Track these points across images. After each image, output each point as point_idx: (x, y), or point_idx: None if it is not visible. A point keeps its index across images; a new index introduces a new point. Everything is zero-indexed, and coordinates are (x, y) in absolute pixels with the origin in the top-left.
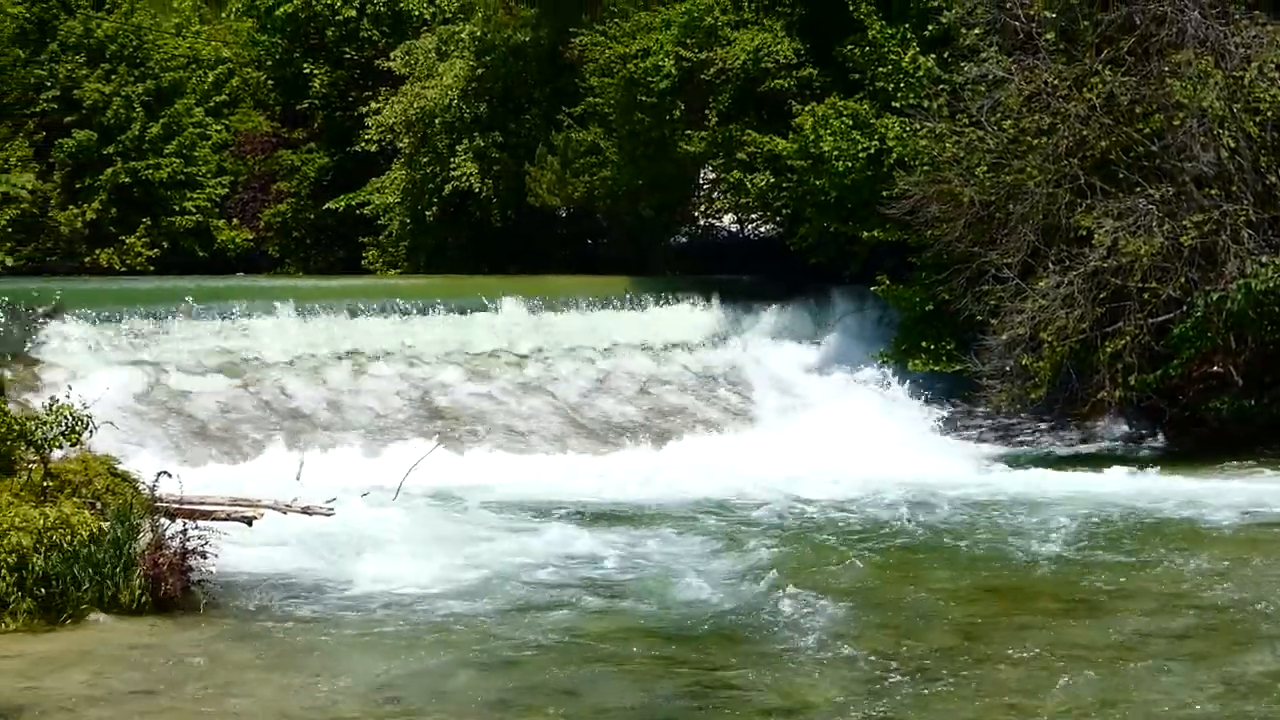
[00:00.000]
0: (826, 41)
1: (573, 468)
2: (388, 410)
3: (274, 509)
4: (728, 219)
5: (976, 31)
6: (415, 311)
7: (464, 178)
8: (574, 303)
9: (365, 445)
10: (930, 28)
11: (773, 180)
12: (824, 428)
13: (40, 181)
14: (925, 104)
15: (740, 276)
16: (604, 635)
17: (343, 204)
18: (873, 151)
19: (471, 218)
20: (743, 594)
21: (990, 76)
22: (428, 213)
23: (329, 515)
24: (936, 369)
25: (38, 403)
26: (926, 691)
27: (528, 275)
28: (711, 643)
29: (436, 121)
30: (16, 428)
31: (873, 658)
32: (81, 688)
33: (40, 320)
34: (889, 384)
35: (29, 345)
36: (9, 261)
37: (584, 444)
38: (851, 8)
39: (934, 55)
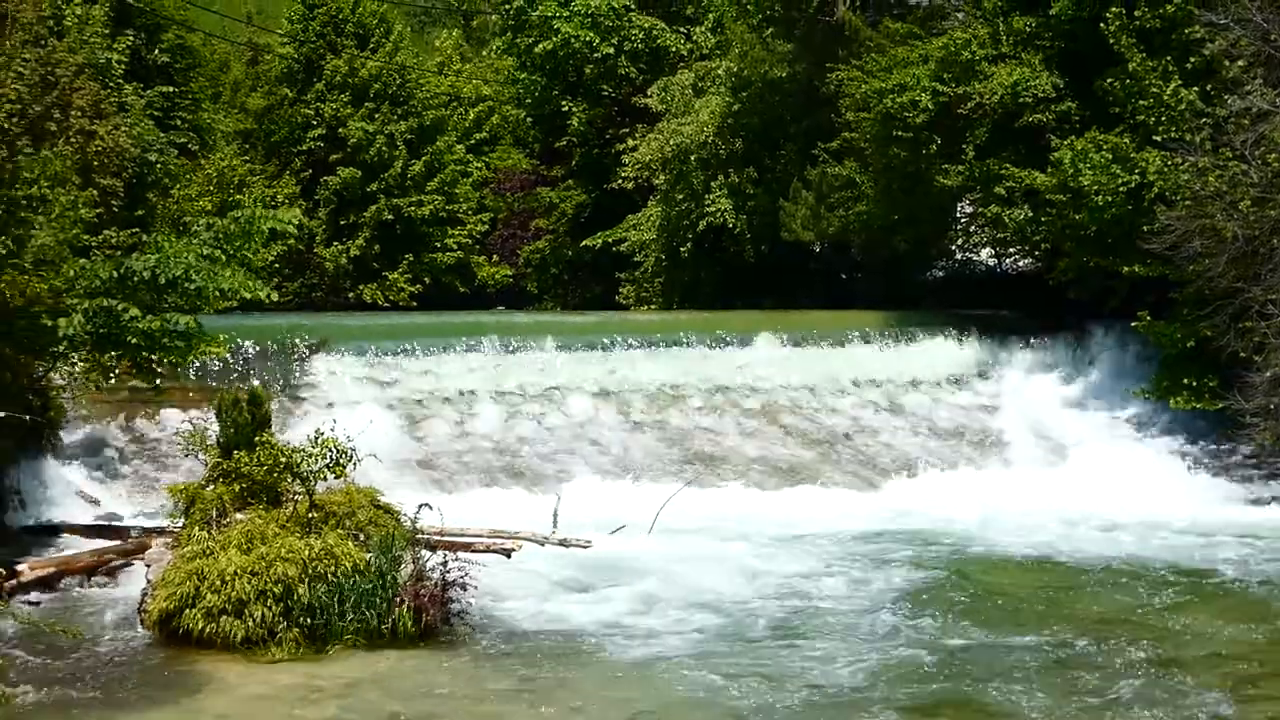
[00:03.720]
0: (1086, 75)
1: (826, 503)
2: (641, 445)
3: (532, 541)
4: (985, 253)
5: (1240, 64)
6: (669, 346)
7: (719, 213)
8: (828, 337)
9: (617, 479)
10: (1193, 60)
11: (1031, 214)
12: (1083, 465)
13: (306, 218)
14: (1187, 137)
15: (998, 311)
16: (862, 673)
17: (599, 241)
18: (1133, 186)
19: (725, 253)
20: (1011, 630)
21: (1255, 110)
22: (682, 248)
23: (586, 548)
24: (1198, 406)
25: (303, 436)
26: None
27: (782, 310)
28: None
29: (692, 158)
30: (283, 460)
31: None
32: (344, 717)
33: (306, 355)
34: (1150, 421)
35: (295, 379)
36: (274, 297)
37: (838, 479)
38: (1112, 41)
39: (1196, 88)
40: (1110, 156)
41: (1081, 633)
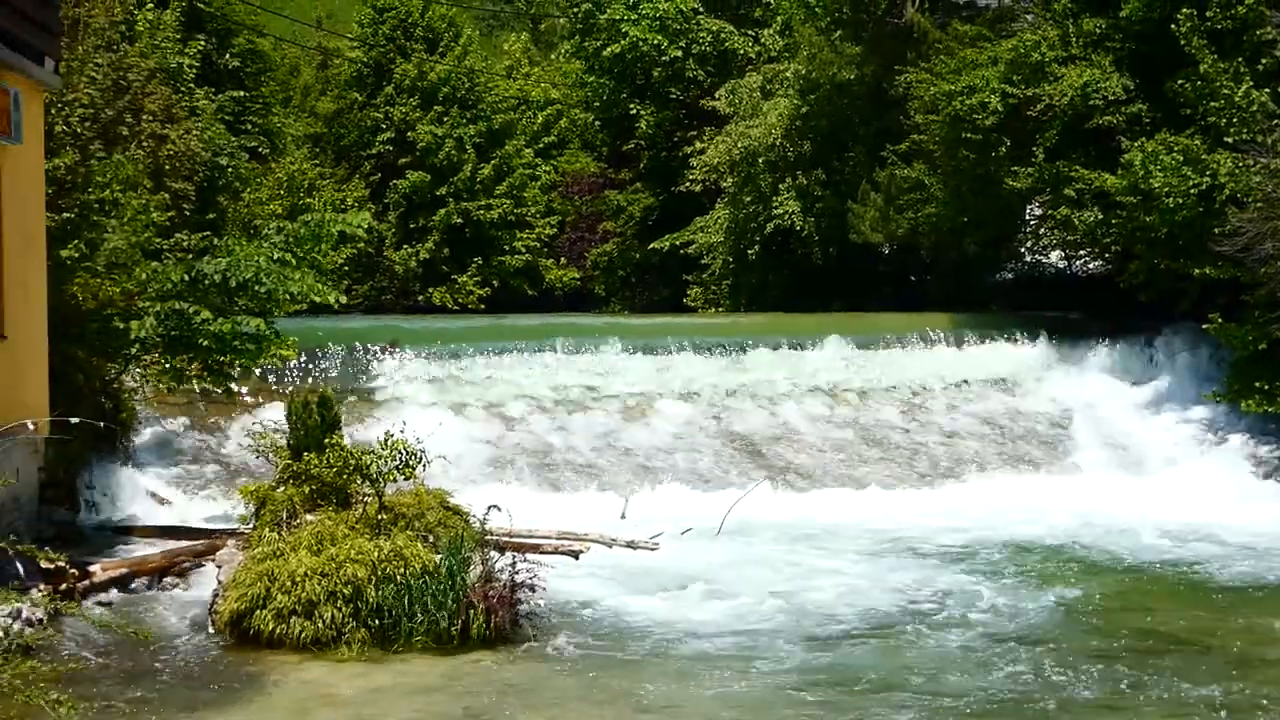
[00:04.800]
0: (1157, 76)
1: (893, 504)
2: (709, 448)
3: (600, 543)
4: (1055, 255)
5: None
6: (737, 348)
7: (786, 216)
8: (897, 340)
9: (687, 481)
10: (1264, 61)
11: (1101, 216)
12: (1153, 469)
13: (376, 222)
14: (1259, 139)
15: (1068, 313)
16: (933, 673)
17: (667, 243)
18: (1204, 188)
19: (793, 256)
20: (1080, 638)
21: None
22: (750, 251)
23: (653, 550)
24: (1270, 410)
25: (372, 437)
26: None
27: (850, 312)
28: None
29: (760, 160)
30: (353, 462)
31: None
32: (413, 717)
33: (376, 357)
34: (1221, 424)
35: (365, 381)
36: (343, 300)
37: (906, 480)
38: (1183, 42)
39: (1268, 90)
40: (1181, 158)
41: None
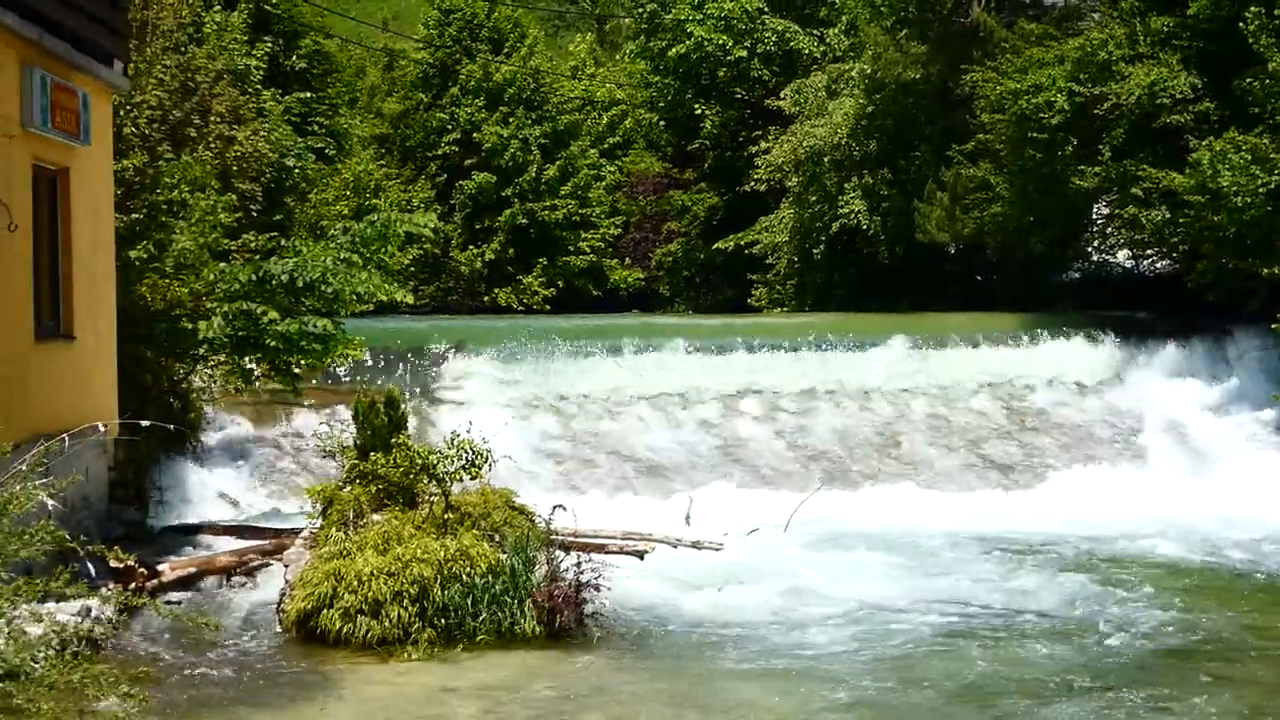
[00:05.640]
0: (1224, 75)
1: (961, 503)
2: (774, 448)
3: (665, 543)
4: (1122, 254)
5: None
6: (802, 348)
7: (852, 215)
8: (964, 339)
9: (750, 481)
10: None
11: (1169, 215)
12: (1222, 469)
13: (442, 222)
14: None
15: (1135, 313)
16: (1007, 676)
17: (731, 243)
18: (1273, 186)
19: (859, 255)
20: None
21: None
22: (815, 251)
23: (718, 550)
24: None
25: (439, 437)
26: None
27: (916, 312)
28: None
29: (825, 160)
30: (419, 462)
31: None
32: (479, 717)
33: (442, 357)
34: None
35: (431, 381)
36: (410, 299)
37: (977, 481)
38: (1251, 40)
39: None
40: (1249, 157)
41: None
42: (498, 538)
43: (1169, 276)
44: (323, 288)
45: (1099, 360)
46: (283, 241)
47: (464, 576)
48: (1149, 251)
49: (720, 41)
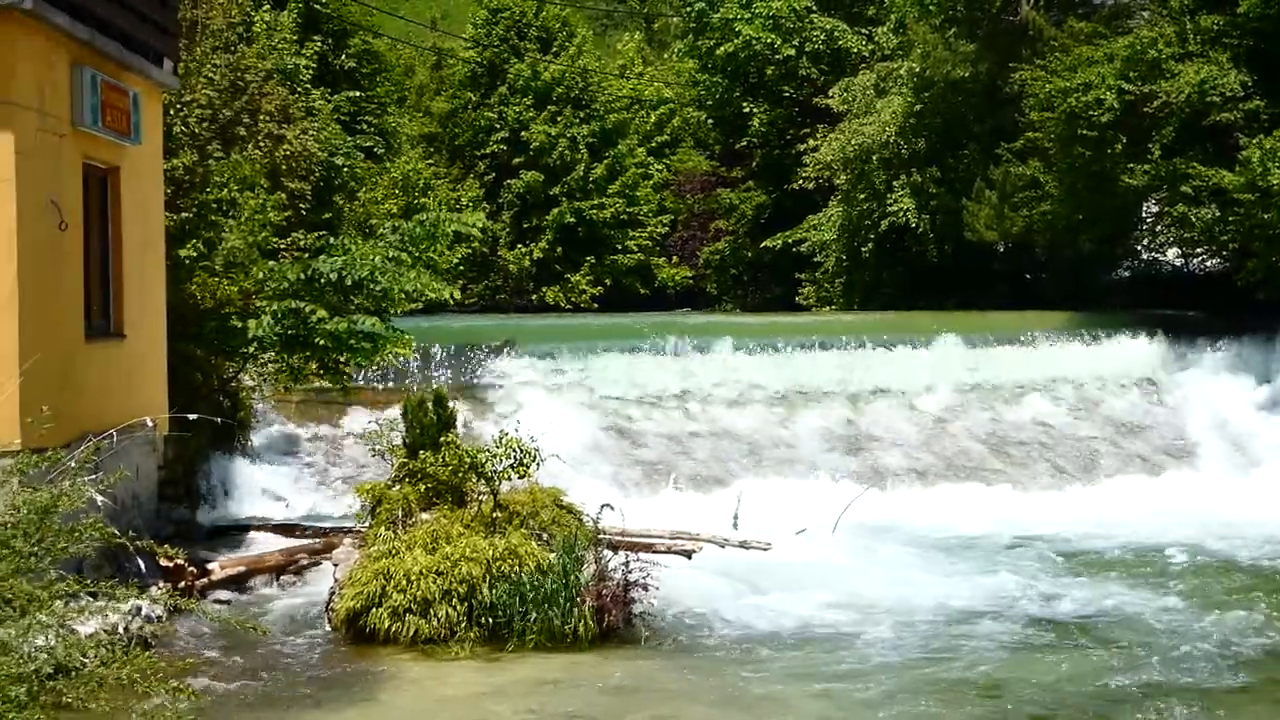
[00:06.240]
0: (1275, 73)
1: (1012, 502)
2: (822, 447)
3: (713, 542)
4: (1171, 253)
5: None
6: (849, 346)
7: (901, 213)
8: (1012, 338)
9: (798, 481)
10: None
11: (1218, 214)
12: (1272, 468)
13: (490, 221)
14: None
15: (1185, 311)
16: (1054, 680)
17: (779, 241)
18: None
19: (908, 253)
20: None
21: None
22: (864, 249)
23: (766, 550)
24: None
25: (487, 436)
26: None
27: (964, 310)
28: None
29: (874, 158)
30: (468, 460)
31: None
32: (527, 717)
33: (490, 355)
34: None
35: (479, 380)
36: (458, 297)
37: (1027, 481)
38: None
39: None
40: None
41: None
42: (546, 537)
43: (1219, 275)
44: (371, 286)
45: (1149, 359)
46: (331, 240)
47: (512, 575)
48: (1199, 250)
49: (768, 40)
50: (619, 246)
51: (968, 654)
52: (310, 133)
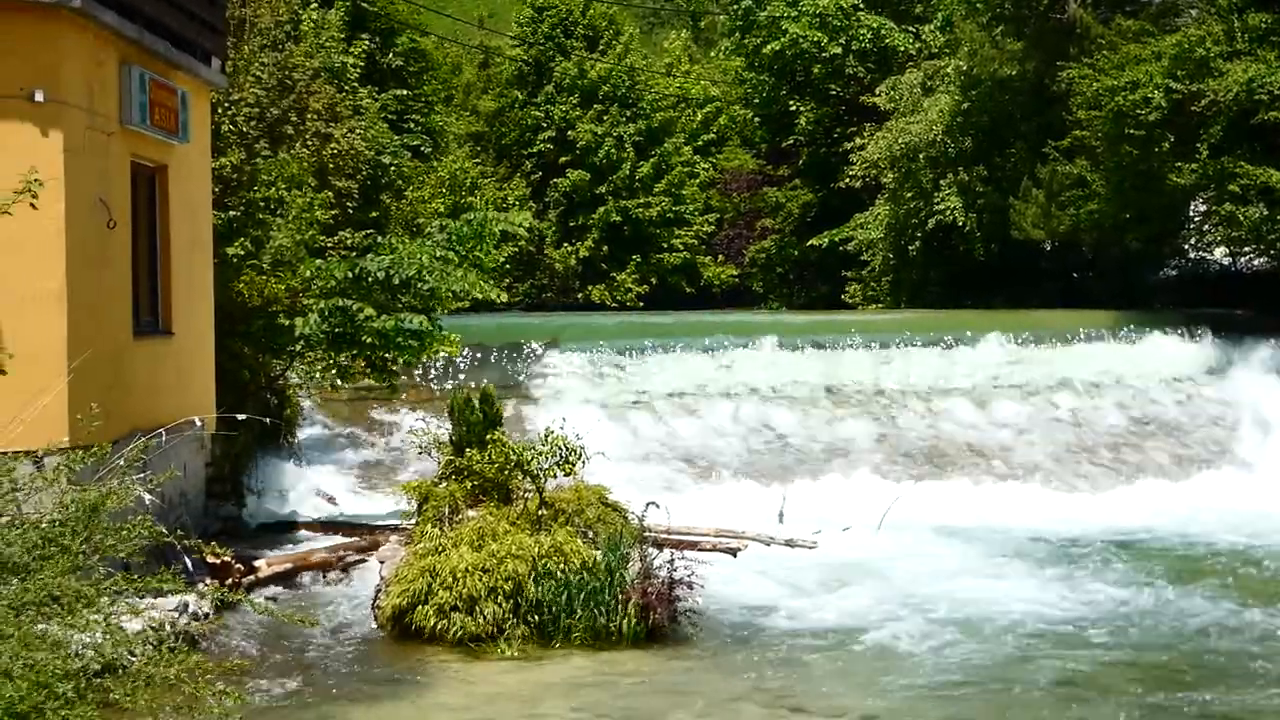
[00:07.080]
0: None
1: (1058, 501)
2: (867, 445)
3: (758, 540)
4: (1219, 252)
5: None
6: (894, 344)
7: (948, 212)
8: (1059, 336)
9: (842, 478)
10: None
11: (1267, 213)
12: None
13: (536, 220)
14: None
15: (1233, 310)
16: (1103, 678)
17: (826, 240)
18: None
19: (954, 252)
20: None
21: None
22: (910, 247)
23: (812, 548)
24: None
25: (533, 434)
26: None
27: (1011, 309)
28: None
29: (921, 156)
30: (514, 458)
31: None
32: (573, 716)
33: (537, 354)
34: None
35: (526, 378)
36: (504, 297)
37: (1065, 478)
38: None
39: None
40: None
41: None
42: (591, 534)
43: (1267, 274)
44: (418, 285)
45: (1198, 359)
46: (379, 239)
47: (558, 573)
48: (1246, 249)
49: (815, 38)
50: (665, 245)
51: (1020, 655)
52: (357, 131)
